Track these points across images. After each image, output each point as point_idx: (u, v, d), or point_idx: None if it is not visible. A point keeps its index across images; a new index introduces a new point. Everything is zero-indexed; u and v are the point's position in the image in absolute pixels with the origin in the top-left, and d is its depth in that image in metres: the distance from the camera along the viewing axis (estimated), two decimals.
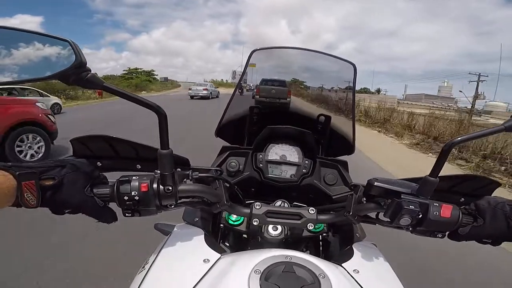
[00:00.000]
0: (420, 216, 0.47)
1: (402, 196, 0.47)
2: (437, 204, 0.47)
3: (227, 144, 0.82)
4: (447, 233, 0.51)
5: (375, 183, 0.50)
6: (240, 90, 0.95)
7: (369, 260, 0.55)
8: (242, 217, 0.70)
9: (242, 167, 0.77)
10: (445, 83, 61.75)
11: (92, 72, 0.41)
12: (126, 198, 0.45)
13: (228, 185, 0.61)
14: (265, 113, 0.88)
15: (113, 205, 0.49)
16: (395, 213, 0.47)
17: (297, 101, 1.02)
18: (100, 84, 0.42)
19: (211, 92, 21.27)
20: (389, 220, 0.48)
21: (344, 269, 0.51)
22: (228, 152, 0.78)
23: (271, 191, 0.76)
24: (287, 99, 1.11)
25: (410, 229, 0.50)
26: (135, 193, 0.45)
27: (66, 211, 0.44)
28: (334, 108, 0.97)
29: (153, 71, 57.01)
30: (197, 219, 0.65)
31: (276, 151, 0.78)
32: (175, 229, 0.62)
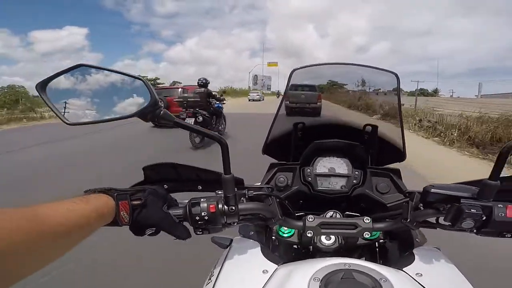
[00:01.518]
0: (484, 219, 0.47)
1: (462, 201, 0.47)
2: (502, 206, 0.47)
3: (275, 161, 0.84)
4: None
5: (432, 190, 0.51)
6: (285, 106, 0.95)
7: (432, 263, 0.54)
8: (293, 230, 0.72)
9: (291, 181, 0.79)
10: None
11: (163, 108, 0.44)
12: (197, 218, 0.51)
13: (278, 200, 0.64)
14: (310, 127, 0.87)
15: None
16: (456, 217, 0.47)
17: (341, 110, 1.00)
18: (172, 120, 0.45)
19: (260, 97, 35.93)
20: (450, 224, 0.49)
21: (406, 273, 0.51)
22: (276, 169, 0.80)
23: (320, 202, 0.77)
24: (317, 103, 1.08)
25: (475, 231, 0.50)
26: (204, 213, 0.50)
27: (148, 230, 0.50)
28: (380, 116, 0.93)
29: (158, 78, 51.92)
30: (252, 232, 0.70)
31: (324, 164, 0.79)
32: (233, 243, 0.66)
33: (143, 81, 0.44)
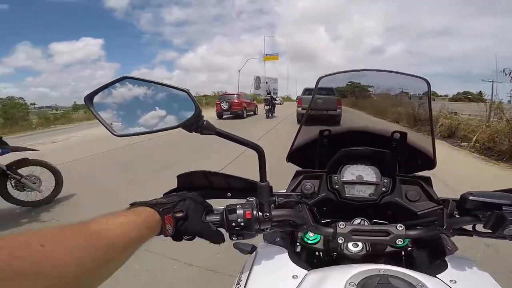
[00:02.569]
0: None
1: (503, 208, 0.47)
2: None
3: (300, 169, 0.84)
4: None
5: (470, 197, 0.50)
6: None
7: (466, 271, 0.54)
8: (319, 236, 0.72)
9: (317, 189, 0.79)
10: None
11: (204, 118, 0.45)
12: (234, 224, 0.51)
13: (308, 207, 0.64)
14: (336, 134, 0.87)
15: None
16: (497, 224, 0.47)
17: (365, 116, 0.96)
18: (214, 130, 0.46)
19: (280, 101, 31.80)
20: (490, 231, 0.49)
21: (441, 279, 0.50)
22: (302, 176, 0.80)
23: (346, 209, 0.77)
24: (337, 109, 1.01)
25: None
26: (240, 220, 0.51)
27: (185, 237, 0.52)
28: (409, 123, 0.91)
29: None
30: (278, 238, 0.69)
31: (352, 172, 0.78)
32: (258, 249, 0.67)
33: (187, 92, 0.45)
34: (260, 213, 0.52)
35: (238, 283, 0.57)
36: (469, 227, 0.54)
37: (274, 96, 15.87)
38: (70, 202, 3.24)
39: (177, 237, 0.51)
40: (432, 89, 0.77)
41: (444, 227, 0.53)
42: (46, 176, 3.15)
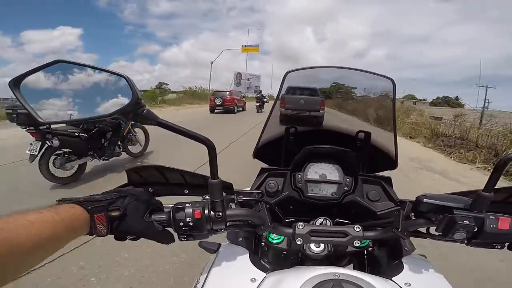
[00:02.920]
0: (475, 230, 0.47)
1: (454, 212, 0.47)
2: (494, 217, 0.47)
3: (265, 166, 0.82)
4: (506, 244, 0.51)
5: (424, 200, 0.50)
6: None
7: (420, 272, 0.55)
8: (282, 236, 0.70)
9: (281, 187, 0.77)
10: None
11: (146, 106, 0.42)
12: (181, 224, 0.48)
13: (268, 206, 0.62)
14: (302, 132, 0.86)
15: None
16: (448, 228, 0.47)
17: (337, 115, 0.96)
18: (155, 119, 0.42)
19: (267, 100, 31.72)
20: (442, 234, 0.49)
21: (395, 283, 0.50)
22: (266, 174, 0.79)
23: (310, 208, 0.76)
24: (320, 111, 0.98)
25: (465, 242, 0.50)
26: (189, 219, 0.48)
27: (129, 237, 0.48)
28: (373, 123, 0.92)
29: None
30: (241, 238, 0.67)
31: (316, 170, 0.77)
32: (221, 248, 0.64)
33: (125, 78, 0.41)
34: (212, 212, 0.49)
35: (195, 286, 0.55)
36: (423, 229, 0.54)
37: (264, 95, 18.82)
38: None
39: (117, 237, 0.47)
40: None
41: (399, 229, 0.53)
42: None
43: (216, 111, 15.57)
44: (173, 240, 0.52)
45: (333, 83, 0.99)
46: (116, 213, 0.45)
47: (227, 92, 17.02)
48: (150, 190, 0.57)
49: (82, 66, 0.42)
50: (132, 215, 0.46)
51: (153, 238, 0.50)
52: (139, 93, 0.41)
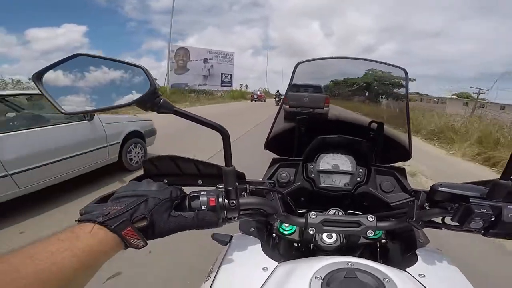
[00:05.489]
0: (492, 219, 0.45)
1: (471, 200, 0.46)
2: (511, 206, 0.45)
3: (277, 157, 0.82)
4: None
5: (440, 188, 0.49)
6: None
7: (435, 264, 0.54)
8: (295, 227, 0.70)
9: (293, 177, 0.77)
10: None
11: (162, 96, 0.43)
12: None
13: (280, 195, 0.62)
14: (314, 123, 0.86)
15: None
16: (464, 217, 0.46)
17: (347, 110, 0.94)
18: (171, 108, 0.43)
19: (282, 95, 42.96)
20: (458, 224, 0.48)
21: (409, 273, 0.50)
22: (278, 164, 0.79)
23: (322, 199, 0.76)
24: (324, 108, 0.97)
25: (482, 232, 0.49)
26: (204, 207, 0.48)
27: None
28: (386, 114, 0.91)
29: None
30: (253, 229, 0.67)
31: (328, 161, 0.77)
32: (233, 239, 0.65)
33: (142, 68, 0.42)
34: (226, 200, 0.49)
35: (209, 275, 0.55)
36: (438, 220, 0.53)
37: (281, 93, 28.32)
38: None
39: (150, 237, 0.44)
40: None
41: (414, 219, 0.52)
42: None
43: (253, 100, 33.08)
44: (217, 221, 0.49)
45: (334, 80, 0.98)
46: (143, 223, 0.41)
47: (258, 92, 36.64)
48: (165, 181, 0.57)
49: (101, 58, 0.44)
50: (161, 219, 0.43)
51: (191, 228, 0.47)
52: (155, 83, 0.42)
